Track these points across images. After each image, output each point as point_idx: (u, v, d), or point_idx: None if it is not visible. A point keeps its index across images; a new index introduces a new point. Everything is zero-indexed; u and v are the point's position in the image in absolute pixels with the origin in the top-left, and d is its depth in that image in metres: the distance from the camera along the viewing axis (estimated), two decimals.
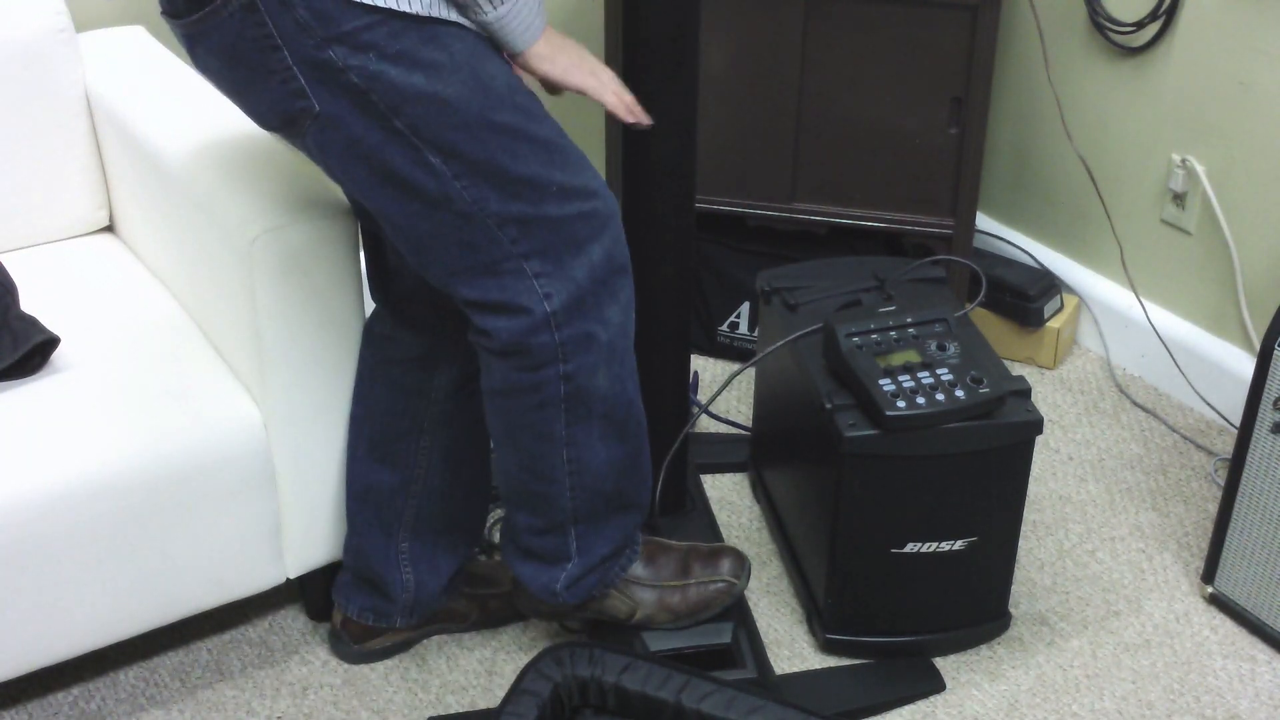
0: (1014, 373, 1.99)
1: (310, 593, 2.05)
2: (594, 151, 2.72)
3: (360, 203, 1.65)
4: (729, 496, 2.32)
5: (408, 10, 1.47)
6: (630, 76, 1.76)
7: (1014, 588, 2.04)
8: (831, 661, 2.00)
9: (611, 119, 2.02)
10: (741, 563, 1.92)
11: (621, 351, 1.69)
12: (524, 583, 1.86)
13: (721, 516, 2.26)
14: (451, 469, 1.90)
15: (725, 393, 2.54)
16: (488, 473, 1.95)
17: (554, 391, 1.66)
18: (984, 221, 2.84)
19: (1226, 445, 2.39)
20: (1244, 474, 1.97)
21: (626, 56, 1.79)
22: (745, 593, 2.05)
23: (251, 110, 1.59)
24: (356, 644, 1.98)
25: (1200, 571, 2.11)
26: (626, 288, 1.67)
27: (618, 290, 1.66)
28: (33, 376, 1.83)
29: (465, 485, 1.92)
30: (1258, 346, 2.00)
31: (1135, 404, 2.55)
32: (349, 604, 1.96)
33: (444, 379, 1.85)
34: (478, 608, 2.02)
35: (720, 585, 1.89)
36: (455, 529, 1.94)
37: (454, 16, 1.50)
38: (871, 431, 1.82)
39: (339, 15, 1.46)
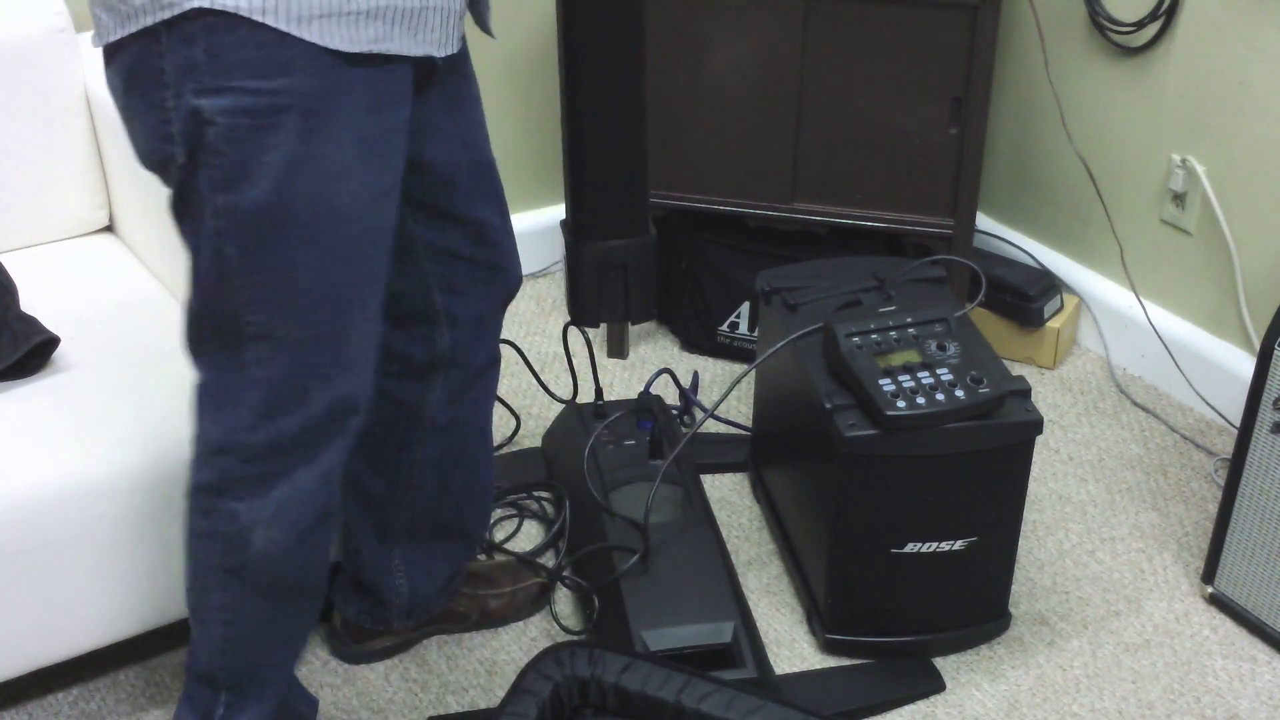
0: (1014, 373, 1.99)
1: None
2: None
3: None
4: (729, 496, 2.32)
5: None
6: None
7: (1014, 588, 2.04)
8: (831, 661, 1.99)
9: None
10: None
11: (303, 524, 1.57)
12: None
13: (721, 516, 2.26)
14: (445, 478, 1.87)
15: None
16: (484, 479, 1.93)
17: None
18: (984, 221, 2.84)
19: (1226, 445, 2.39)
20: (1244, 474, 1.97)
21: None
22: (745, 592, 2.05)
23: (132, 144, 1.46)
24: (356, 644, 1.98)
25: (1200, 571, 2.11)
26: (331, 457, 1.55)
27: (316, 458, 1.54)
28: (33, 376, 1.83)
29: (459, 494, 1.89)
30: (1258, 346, 2.00)
31: (1135, 404, 2.55)
32: (347, 606, 1.95)
33: (437, 391, 1.81)
34: (478, 608, 2.02)
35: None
36: (450, 535, 1.92)
37: None
38: (871, 431, 1.82)
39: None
